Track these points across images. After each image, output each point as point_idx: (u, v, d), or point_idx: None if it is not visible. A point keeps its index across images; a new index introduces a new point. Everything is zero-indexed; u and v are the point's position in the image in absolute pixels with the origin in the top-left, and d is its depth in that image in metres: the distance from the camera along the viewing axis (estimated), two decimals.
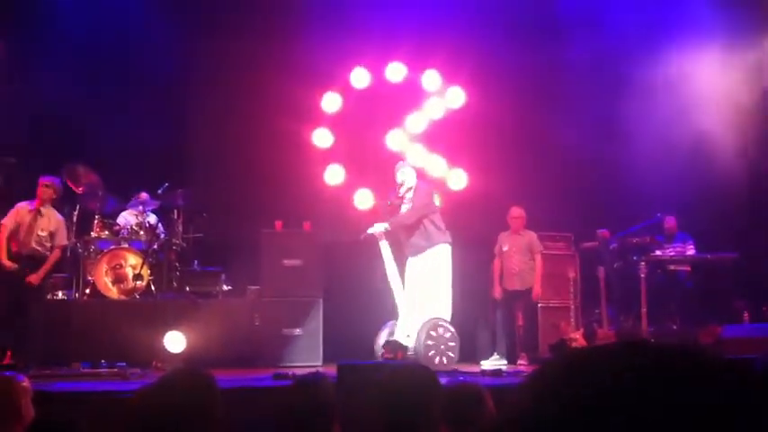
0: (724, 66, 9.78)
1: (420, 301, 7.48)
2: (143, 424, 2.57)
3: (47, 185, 7.81)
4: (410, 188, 7.72)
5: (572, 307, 8.74)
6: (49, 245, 7.76)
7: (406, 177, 7.75)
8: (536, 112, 10.11)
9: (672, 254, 9.13)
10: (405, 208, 7.66)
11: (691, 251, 9.26)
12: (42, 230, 7.72)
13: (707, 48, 9.74)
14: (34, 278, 7.56)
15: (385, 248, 7.58)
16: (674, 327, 8.86)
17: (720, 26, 9.72)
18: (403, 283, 7.62)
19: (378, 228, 7.62)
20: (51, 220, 7.81)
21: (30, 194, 8.47)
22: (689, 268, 9.22)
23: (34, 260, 7.65)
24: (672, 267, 9.21)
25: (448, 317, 7.53)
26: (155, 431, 2.51)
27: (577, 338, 7.96)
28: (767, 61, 10.02)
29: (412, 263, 7.62)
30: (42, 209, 7.77)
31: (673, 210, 9.47)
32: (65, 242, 7.91)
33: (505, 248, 9.03)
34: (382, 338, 7.55)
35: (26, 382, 3.53)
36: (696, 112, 9.56)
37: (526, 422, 0.79)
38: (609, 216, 9.58)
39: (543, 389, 0.80)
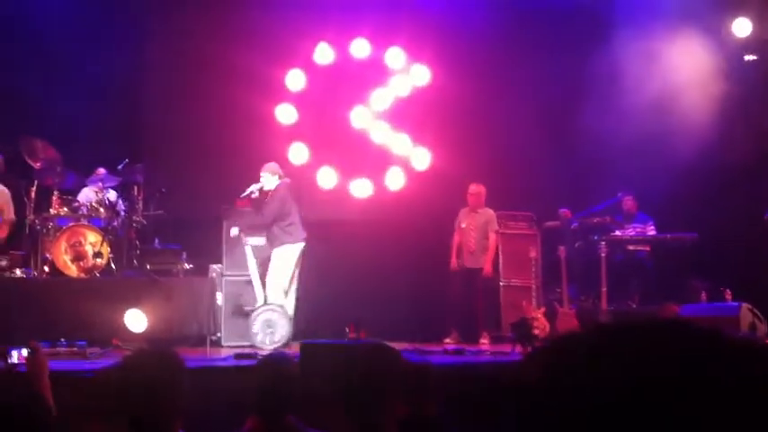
0: (689, 46, 9.85)
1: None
2: (112, 401, 2.56)
3: None
4: (267, 192, 8.36)
5: (533, 286, 8.81)
6: None
7: (265, 182, 8.36)
8: (501, 90, 10.13)
9: (632, 234, 9.26)
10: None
11: (651, 231, 9.40)
12: None
13: (672, 28, 9.80)
14: None
15: (247, 245, 8.26)
16: (633, 306, 8.99)
17: (687, 6, 9.79)
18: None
19: (233, 231, 8.29)
20: None
21: None
22: (648, 248, 9.35)
23: None
24: (631, 247, 9.34)
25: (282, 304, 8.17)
26: (123, 408, 2.50)
27: (539, 317, 8.04)
28: (731, 43, 10.12)
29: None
30: None
31: (633, 189, 9.58)
32: (13, 215, 7.61)
33: (464, 225, 9.14)
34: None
35: None
36: (660, 94, 9.64)
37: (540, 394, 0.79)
38: (571, 196, 9.67)
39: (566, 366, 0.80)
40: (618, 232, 9.21)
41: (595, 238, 8.99)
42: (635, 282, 9.19)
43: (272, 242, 8.19)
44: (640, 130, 9.36)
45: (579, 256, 9.13)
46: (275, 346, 7.63)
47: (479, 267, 8.97)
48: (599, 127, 9.58)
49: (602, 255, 8.66)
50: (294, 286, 8.30)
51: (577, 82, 9.84)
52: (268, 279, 8.11)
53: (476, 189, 9.15)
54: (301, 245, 8.27)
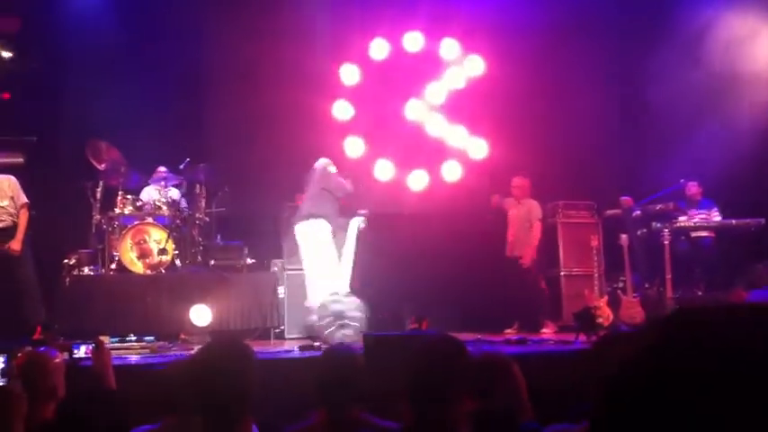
0: (754, 24, 9.58)
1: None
2: (185, 392, 2.63)
3: None
4: None
5: (596, 275, 8.71)
6: (15, 210, 7.78)
7: None
8: (557, 79, 10.02)
9: (696, 220, 9.07)
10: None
11: (716, 217, 9.17)
12: (2, 201, 7.74)
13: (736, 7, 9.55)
14: (14, 245, 7.60)
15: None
16: (699, 293, 8.81)
17: None
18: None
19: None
20: (4, 186, 7.79)
21: (51, 173, 8.53)
22: (713, 234, 9.14)
23: (8, 231, 7.66)
24: (695, 234, 9.14)
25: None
26: (195, 399, 2.56)
27: (602, 306, 7.95)
28: None
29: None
30: None
31: (696, 175, 9.36)
32: (26, 199, 7.88)
33: (509, 216, 9.16)
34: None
35: (59, 359, 3.59)
36: (722, 77, 9.40)
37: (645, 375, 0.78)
38: (632, 183, 9.51)
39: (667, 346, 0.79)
40: (682, 219, 9.02)
41: (658, 225, 8.82)
42: (700, 269, 8.99)
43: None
44: (704, 115, 9.15)
45: (642, 244, 8.98)
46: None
47: (519, 256, 9.00)
48: (660, 113, 9.41)
49: (666, 242, 8.50)
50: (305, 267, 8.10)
51: (636, 68, 9.67)
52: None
53: (516, 182, 9.34)
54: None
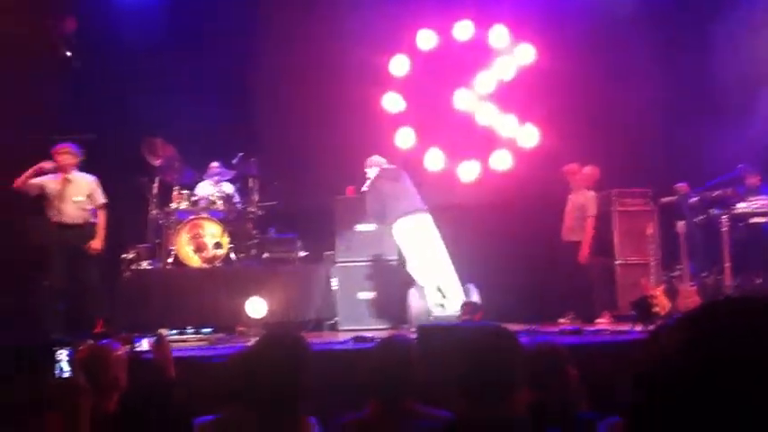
0: None
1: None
2: (246, 384, 2.68)
3: (63, 152, 7.89)
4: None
5: (652, 264, 8.57)
6: (89, 208, 7.94)
7: (370, 176, 8.46)
8: (610, 64, 9.85)
9: (756, 206, 8.83)
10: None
11: None
12: (77, 196, 7.90)
13: None
14: (95, 244, 7.79)
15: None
16: (758, 281, 8.59)
17: None
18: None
19: None
20: (83, 183, 7.96)
21: (109, 170, 8.71)
22: None
23: (80, 228, 7.85)
24: (754, 220, 8.90)
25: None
26: (256, 391, 2.61)
27: (658, 295, 7.82)
28: None
29: None
30: (69, 176, 7.90)
31: (755, 160, 9.12)
32: (104, 199, 8.05)
33: (569, 199, 9.15)
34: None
35: (121, 351, 3.68)
36: None
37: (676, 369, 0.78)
38: (688, 169, 9.32)
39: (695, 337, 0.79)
40: (740, 205, 8.79)
41: (716, 211, 8.63)
42: (759, 255, 8.77)
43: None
44: (763, 98, 8.92)
45: (699, 232, 8.80)
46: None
47: (571, 241, 8.96)
48: (717, 96, 9.20)
49: (724, 229, 8.32)
50: (415, 264, 8.03)
51: (691, 53, 9.46)
52: None
53: (569, 169, 9.19)
54: (396, 224, 8.00)
